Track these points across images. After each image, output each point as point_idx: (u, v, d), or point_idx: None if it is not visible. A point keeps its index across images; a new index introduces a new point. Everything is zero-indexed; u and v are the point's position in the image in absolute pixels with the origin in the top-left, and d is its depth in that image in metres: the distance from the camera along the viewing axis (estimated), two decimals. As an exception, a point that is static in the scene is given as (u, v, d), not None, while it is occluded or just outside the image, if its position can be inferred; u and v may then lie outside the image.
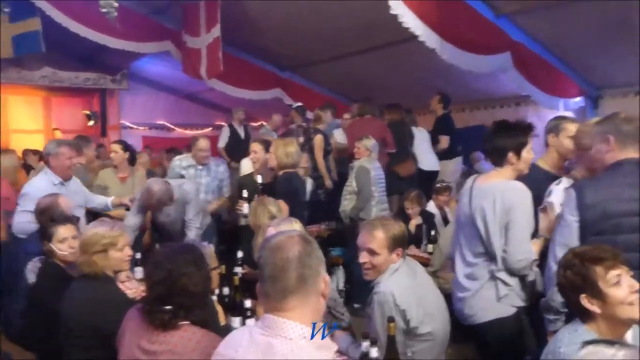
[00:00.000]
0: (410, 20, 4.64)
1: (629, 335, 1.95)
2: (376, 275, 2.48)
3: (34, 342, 2.99)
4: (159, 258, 1.98)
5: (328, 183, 6.00)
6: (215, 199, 5.31)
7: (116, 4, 4.38)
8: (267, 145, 4.59)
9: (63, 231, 3.00)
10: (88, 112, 10.93)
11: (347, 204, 5.28)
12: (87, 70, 9.88)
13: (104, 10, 4.32)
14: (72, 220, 3.21)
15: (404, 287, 2.39)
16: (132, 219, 4.31)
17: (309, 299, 1.47)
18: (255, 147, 4.71)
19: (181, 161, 5.30)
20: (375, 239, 2.44)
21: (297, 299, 1.45)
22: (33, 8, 6.77)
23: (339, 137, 6.69)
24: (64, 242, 2.99)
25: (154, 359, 1.89)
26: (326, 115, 6.47)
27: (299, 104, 7.06)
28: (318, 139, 5.98)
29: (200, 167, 5.21)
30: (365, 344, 2.14)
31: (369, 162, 5.25)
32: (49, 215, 3.32)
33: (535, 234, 2.67)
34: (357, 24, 6.06)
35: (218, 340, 1.71)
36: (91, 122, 10.86)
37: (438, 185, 5.37)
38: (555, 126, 3.02)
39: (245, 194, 4.37)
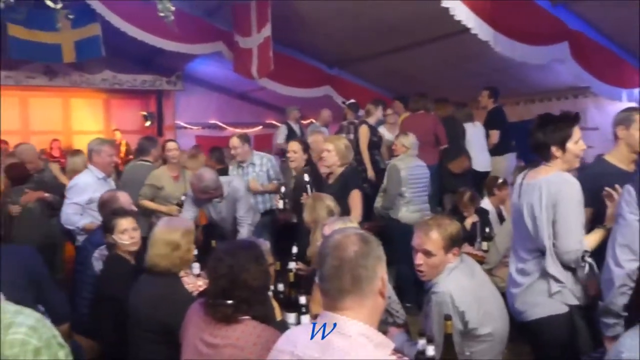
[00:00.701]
0: (462, 13, 4.57)
1: None
2: (432, 276, 2.44)
3: (99, 332, 3.15)
4: (220, 254, 2.04)
5: (371, 174, 5.92)
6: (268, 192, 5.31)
7: (173, 8, 4.54)
8: (305, 145, 4.64)
9: (124, 223, 3.14)
10: (145, 113, 11.38)
11: (378, 200, 5.23)
12: (144, 72, 10.27)
13: (161, 14, 4.48)
14: (132, 213, 3.36)
15: (463, 287, 2.36)
16: (187, 214, 4.46)
17: (366, 299, 1.47)
18: (295, 146, 4.72)
19: (233, 167, 5.40)
20: (430, 240, 2.41)
21: (352, 299, 1.46)
22: (93, 14, 7.11)
23: (386, 134, 6.63)
24: (125, 233, 3.13)
25: (216, 352, 1.95)
26: (377, 110, 6.45)
27: (352, 100, 7.02)
28: (363, 129, 5.95)
29: (244, 164, 5.24)
30: (422, 342, 2.13)
31: (402, 161, 5.09)
32: (110, 208, 3.50)
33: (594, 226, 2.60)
34: (406, 18, 6.00)
35: (278, 335, 1.74)
36: (148, 123, 11.30)
37: (499, 181, 5.20)
38: (625, 118, 2.88)
39: (283, 189, 4.51)
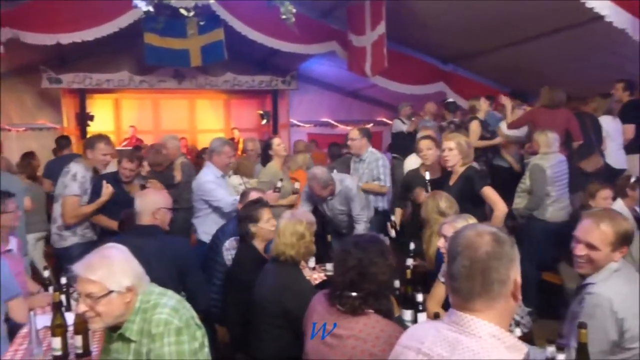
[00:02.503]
0: (595, 0, 4.23)
1: None
2: (592, 271, 2.25)
3: (228, 317, 3.38)
4: (349, 247, 2.10)
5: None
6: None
7: (294, 10, 4.73)
8: (436, 142, 4.57)
9: (266, 212, 3.42)
10: (261, 112, 11.93)
11: (519, 202, 4.97)
12: (261, 73, 10.75)
13: (284, 16, 4.70)
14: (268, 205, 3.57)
15: (624, 293, 2.15)
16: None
17: (497, 302, 1.42)
18: (428, 144, 4.65)
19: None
20: (600, 232, 2.20)
21: (482, 301, 1.41)
22: (218, 20, 7.57)
23: (507, 130, 6.34)
24: (269, 221, 3.39)
25: (339, 343, 2.01)
26: (480, 104, 6.19)
27: (450, 100, 6.89)
28: (474, 125, 5.79)
29: (357, 158, 5.32)
30: (551, 350, 2.02)
31: (545, 159, 4.85)
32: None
33: None
34: (525, 9, 5.67)
35: (400, 331, 1.74)
36: (264, 121, 11.83)
37: (633, 180, 4.75)
38: None
39: (392, 217, 4.50)
